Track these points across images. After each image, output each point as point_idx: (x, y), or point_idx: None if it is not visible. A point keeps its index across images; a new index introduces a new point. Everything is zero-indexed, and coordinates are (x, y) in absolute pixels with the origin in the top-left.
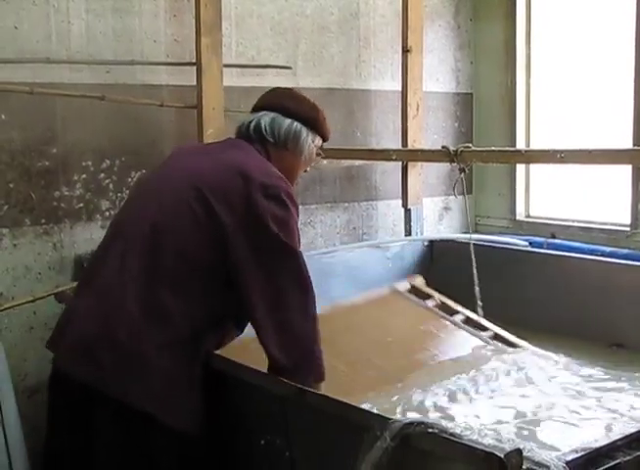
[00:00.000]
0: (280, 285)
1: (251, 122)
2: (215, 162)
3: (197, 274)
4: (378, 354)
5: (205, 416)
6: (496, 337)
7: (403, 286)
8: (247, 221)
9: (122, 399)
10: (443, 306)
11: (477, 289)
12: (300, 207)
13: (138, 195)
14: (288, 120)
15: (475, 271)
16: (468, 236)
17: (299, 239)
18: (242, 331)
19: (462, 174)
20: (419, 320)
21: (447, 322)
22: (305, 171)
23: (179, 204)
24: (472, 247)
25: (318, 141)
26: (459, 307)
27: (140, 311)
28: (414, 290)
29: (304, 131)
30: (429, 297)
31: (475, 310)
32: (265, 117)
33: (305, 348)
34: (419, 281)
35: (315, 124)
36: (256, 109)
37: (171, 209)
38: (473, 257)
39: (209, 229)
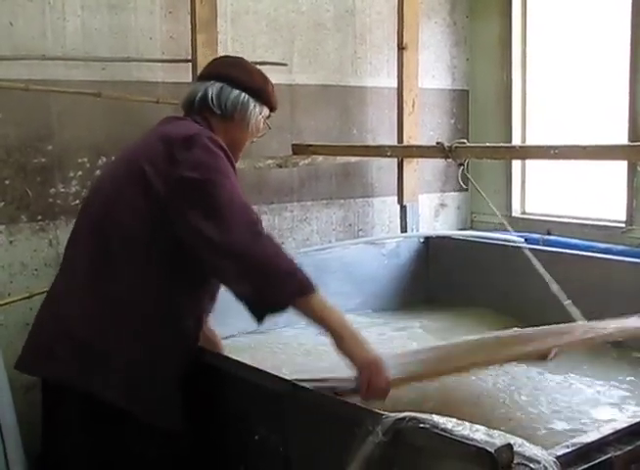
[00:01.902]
0: (216, 221)
1: (197, 93)
2: (145, 139)
3: (145, 259)
4: None
5: (186, 411)
6: None
7: None
8: (169, 179)
9: (91, 393)
10: None
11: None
12: (296, 203)
13: (89, 190)
14: (236, 91)
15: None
16: (467, 233)
17: (229, 171)
18: (214, 299)
19: (462, 168)
20: None
21: None
22: (253, 142)
23: (118, 189)
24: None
25: (265, 112)
26: None
27: (94, 306)
28: None
29: (252, 102)
30: None
31: None
32: (213, 88)
33: (267, 268)
34: None
35: (263, 95)
36: (204, 77)
37: (112, 196)
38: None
39: (148, 208)
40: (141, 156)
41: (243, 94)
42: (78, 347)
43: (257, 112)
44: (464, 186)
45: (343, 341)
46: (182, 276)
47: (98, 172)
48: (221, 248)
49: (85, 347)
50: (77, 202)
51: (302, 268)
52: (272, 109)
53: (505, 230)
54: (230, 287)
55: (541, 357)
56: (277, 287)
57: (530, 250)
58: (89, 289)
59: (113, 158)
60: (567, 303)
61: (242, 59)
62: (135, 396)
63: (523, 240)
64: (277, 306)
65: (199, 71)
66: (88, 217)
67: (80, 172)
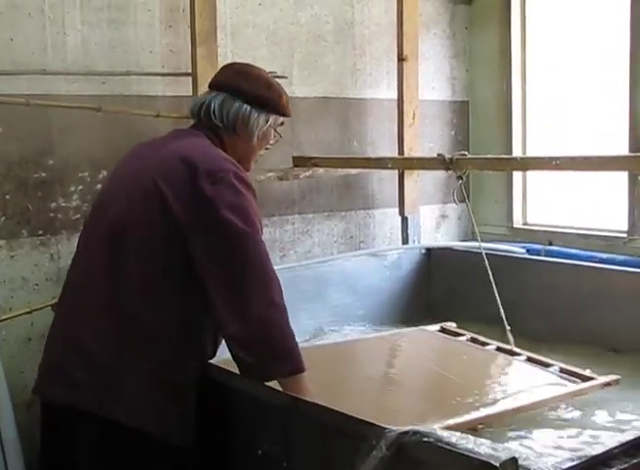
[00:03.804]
0: (240, 281)
1: (202, 105)
2: (160, 155)
3: (162, 276)
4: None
5: (195, 427)
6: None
7: (432, 328)
8: (197, 213)
9: (105, 416)
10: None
11: (502, 312)
12: (297, 216)
13: (96, 204)
14: (237, 103)
15: (495, 290)
16: (468, 244)
17: (260, 221)
18: None
19: (460, 182)
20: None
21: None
22: (267, 149)
23: (132, 204)
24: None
25: (274, 119)
26: (489, 340)
27: (109, 325)
28: (443, 330)
29: (254, 113)
30: (461, 335)
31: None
32: (215, 100)
33: (271, 343)
34: (449, 325)
35: (268, 104)
36: (211, 86)
37: (126, 212)
38: (489, 270)
39: (164, 227)
40: (157, 174)
41: (244, 106)
42: (95, 369)
43: (262, 122)
44: (457, 204)
45: None
46: (198, 294)
47: (100, 185)
48: (238, 316)
49: (102, 368)
50: (78, 216)
51: (298, 347)
52: (283, 115)
53: (507, 241)
54: (232, 350)
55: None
56: (275, 362)
57: (532, 261)
58: (106, 307)
59: (114, 168)
60: (508, 329)
61: (248, 66)
62: (152, 417)
63: (524, 251)
64: (268, 379)
65: (199, 85)
66: (101, 233)
67: (81, 187)
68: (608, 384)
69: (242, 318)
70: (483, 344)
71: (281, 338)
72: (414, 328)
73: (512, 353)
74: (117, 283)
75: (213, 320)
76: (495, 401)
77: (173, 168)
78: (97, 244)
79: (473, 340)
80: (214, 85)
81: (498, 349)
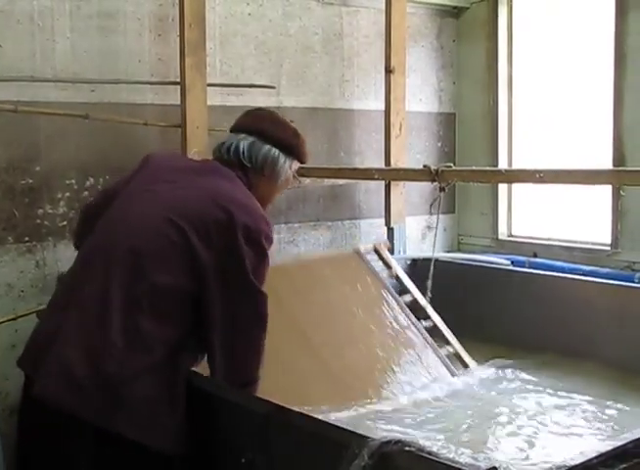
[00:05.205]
0: (242, 321)
1: (231, 145)
2: (195, 189)
3: (175, 301)
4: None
5: (188, 435)
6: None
7: (366, 248)
8: (224, 260)
9: (107, 428)
10: (398, 282)
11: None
12: (284, 225)
13: (113, 216)
14: (266, 147)
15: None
16: (454, 255)
17: (265, 279)
18: None
19: (442, 193)
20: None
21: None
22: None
23: (157, 230)
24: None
25: (295, 165)
26: (411, 287)
27: (123, 341)
28: (377, 254)
29: (282, 158)
30: (388, 267)
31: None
32: (244, 142)
33: (248, 376)
34: (383, 246)
35: (293, 151)
36: (236, 129)
37: (149, 235)
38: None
39: (187, 260)
40: (190, 213)
41: (273, 149)
42: (103, 383)
43: (287, 166)
44: (430, 214)
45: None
46: (197, 328)
47: (87, 193)
48: (230, 361)
49: (110, 384)
50: (65, 223)
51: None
52: (302, 162)
53: (492, 252)
54: (213, 367)
55: None
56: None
57: (517, 272)
58: (122, 326)
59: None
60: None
61: (273, 113)
62: (151, 433)
63: (509, 262)
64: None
65: (187, 94)
66: (122, 246)
67: (68, 194)
68: None
69: (232, 365)
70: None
71: (255, 378)
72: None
73: (421, 315)
74: (134, 303)
75: (206, 345)
76: None
77: (208, 212)
78: (117, 260)
79: (396, 278)
80: (241, 128)
81: (410, 303)
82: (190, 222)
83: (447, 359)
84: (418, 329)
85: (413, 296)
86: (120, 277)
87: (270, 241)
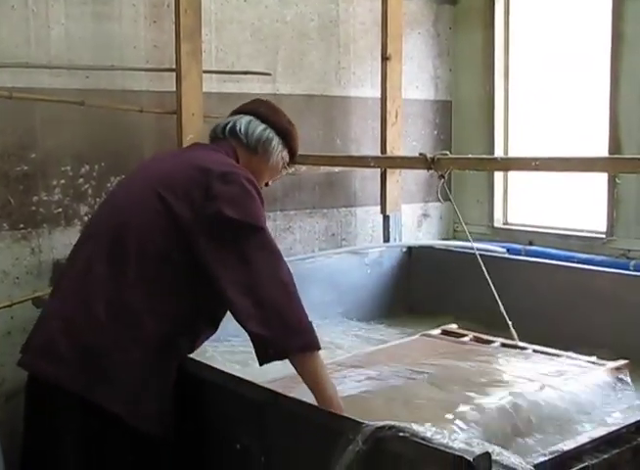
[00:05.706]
0: (247, 264)
1: (227, 124)
2: (177, 162)
3: (163, 272)
4: None
5: (174, 419)
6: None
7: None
8: (204, 211)
9: (90, 399)
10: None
11: (502, 308)
12: (279, 212)
13: (107, 200)
14: (262, 126)
15: (492, 287)
16: (449, 243)
17: (264, 216)
18: (216, 328)
19: (442, 181)
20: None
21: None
22: (267, 186)
23: (143, 204)
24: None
25: (286, 154)
26: (492, 337)
27: (105, 313)
28: (445, 333)
29: (276, 140)
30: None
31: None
32: (242, 120)
33: (285, 317)
34: (451, 326)
35: (287, 137)
36: (235, 112)
37: (136, 210)
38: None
39: (170, 224)
40: (171, 180)
41: (268, 129)
42: (84, 350)
43: (279, 150)
44: (442, 202)
45: (324, 401)
46: (192, 296)
47: (82, 180)
48: (250, 295)
49: (92, 356)
50: (60, 210)
51: (312, 325)
52: (293, 155)
53: (488, 240)
54: (247, 328)
55: None
56: (290, 336)
57: (513, 260)
58: (104, 297)
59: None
60: (510, 323)
61: (271, 102)
62: (132, 403)
63: (505, 250)
64: (284, 356)
65: (183, 80)
66: (108, 224)
67: (63, 181)
68: (619, 368)
69: (254, 299)
70: (488, 342)
71: (294, 313)
72: (416, 336)
73: (518, 348)
74: (119, 276)
75: (229, 308)
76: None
77: (187, 175)
78: (102, 237)
79: (477, 339)
80: (239, 111)
81: (503, 345)
82: (172, 189)
83: None
84: None
85: (499, 341)
86: (105, 251)
87: (253, 184)
